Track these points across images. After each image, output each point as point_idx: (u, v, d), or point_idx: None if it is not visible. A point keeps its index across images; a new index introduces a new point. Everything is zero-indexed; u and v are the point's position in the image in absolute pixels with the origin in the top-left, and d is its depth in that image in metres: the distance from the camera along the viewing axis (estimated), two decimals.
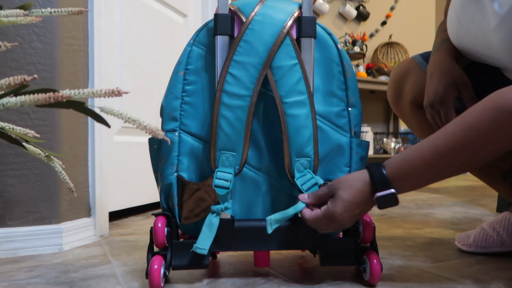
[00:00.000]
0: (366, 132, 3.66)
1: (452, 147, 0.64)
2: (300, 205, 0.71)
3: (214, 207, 0.72)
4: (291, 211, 0.70)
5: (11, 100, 0.55)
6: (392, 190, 0.66)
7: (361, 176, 0.67)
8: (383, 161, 0.69)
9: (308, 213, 0.69)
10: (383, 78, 3.74)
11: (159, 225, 0.73)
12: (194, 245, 0.71)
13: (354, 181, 0.67)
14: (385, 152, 3.82)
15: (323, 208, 0.68)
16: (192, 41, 0.78)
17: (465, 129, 0.63)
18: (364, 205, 0.68)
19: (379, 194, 0.66)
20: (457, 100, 0.82)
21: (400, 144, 3.89)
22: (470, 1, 0.76)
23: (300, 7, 0.75)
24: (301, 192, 0.73)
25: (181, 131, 0.77)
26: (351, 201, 0.66)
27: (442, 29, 0.93)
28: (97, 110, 1.11)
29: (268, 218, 0.70)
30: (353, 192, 0.66)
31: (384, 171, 0.66)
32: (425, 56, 0.97)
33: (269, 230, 0.70)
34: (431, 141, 0.66)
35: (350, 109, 0.78)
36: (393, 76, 1.02)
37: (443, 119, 0.82)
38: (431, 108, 0.84)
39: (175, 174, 0.76)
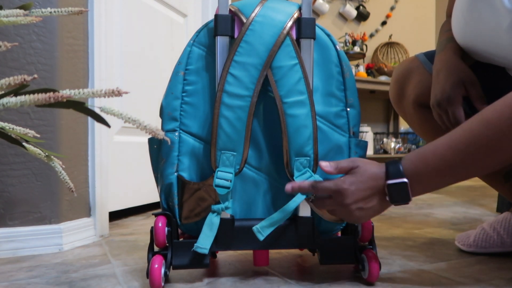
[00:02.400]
0: (366, 132, 3.65)
1: (467, 143, 0.61)
2: (289, 206, 0.71)
3: (215, 207, 0.72)
4: (277, 215, 0.71)
5: (11, 100, 0.55)
6: (404, 179, 0.64)
7: (380, 165, 0.67)
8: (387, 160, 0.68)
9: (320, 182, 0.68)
10: (383, 78, 3.74)
11: (160, 224, 0.73)
12: (195, 244, 0.71)
13: (373, 164, 0.67)
14: (385, 152, 3.82)
15: (336, 179, 0.67)
16: (192, 42, 0.78)
17: (482, 125, 0.61)
18: (374, 189, 0.66)
19: (390, 181, 0.64)
20: (463, 100, 0.81)
21: (400, 144, 3.89)
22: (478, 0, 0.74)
23: (300, 9, 0.75)
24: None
25: (181, 131, 0.77)
26: (363, 181, 0.65)
27: (445, 28, 0.92)
28: (97, 110, 1.11)
29: (255, 227, 0.71)
30: (368, 174, 0.65)
31: (399, 163, 0.65)
32: (429, 55, 0.96)
33: (261, 238, 0.71)
34: (447, 136, 0.64)
35: (348, 109, 0.78)
36: (396, 75, 1.00)
37: (451, 118, 0.80)
38: (438, 107, 0.82)
39: (175, 174, 0.76)
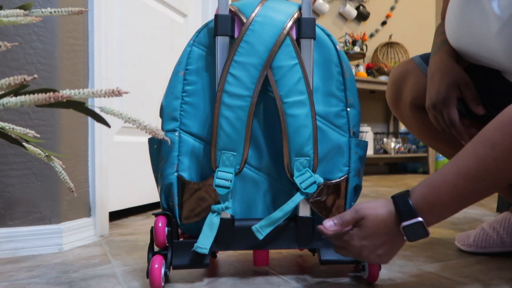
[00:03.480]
0: (366, 132, 3.66)
1: (476, 168, 0.59)
2: (288, 205, 0.71)
3: (215, 207, 0.72)
4: (276, 214, 0.71)
5: (11, 100, 0.55)
6: (419, 219, 0.62)
7: (387, 205, 0.64)
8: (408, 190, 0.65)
9: (329, 229, 0.66)
10: (383, 78, 3.74)
11: (160, 224, 0.73)
12: (195, 244, 0.71)
13: (380, 209, 0.64)
14: (385, 152, 3.82)
15: (345, 237, 0.65)
16: (192, 42, 0.78)
17: (487, 147, 0.59)
18: (387, 235, 0.64)
19: (405, 223, 0.62)
20: (459, 102, 0.82)
21: (400, 144, 3.89)
22: (469, 4, 0.75)
23: (300, 9, 0.75)
24: (300, 191, 0.73)
25: (181, 131, 0.77)
26: (373, 232, 0.63)
27: (440, 31, 0.93)
28: (97, 110, 1.11)
29: (254, 227, 0.71)
30: (376, 222, 0.63)
31: (409, 200, 0.63)
32: (424, 58, 0.97)
33: (260, 237, 0.71)
34: (453, 163, 0.62)
35: (349, 109, 0.78)
36: (392, 77, 1.01)
37: (446, 120, 0.80)
38: (433, 109, 0.82)
39: (176, 174, 0.76)
